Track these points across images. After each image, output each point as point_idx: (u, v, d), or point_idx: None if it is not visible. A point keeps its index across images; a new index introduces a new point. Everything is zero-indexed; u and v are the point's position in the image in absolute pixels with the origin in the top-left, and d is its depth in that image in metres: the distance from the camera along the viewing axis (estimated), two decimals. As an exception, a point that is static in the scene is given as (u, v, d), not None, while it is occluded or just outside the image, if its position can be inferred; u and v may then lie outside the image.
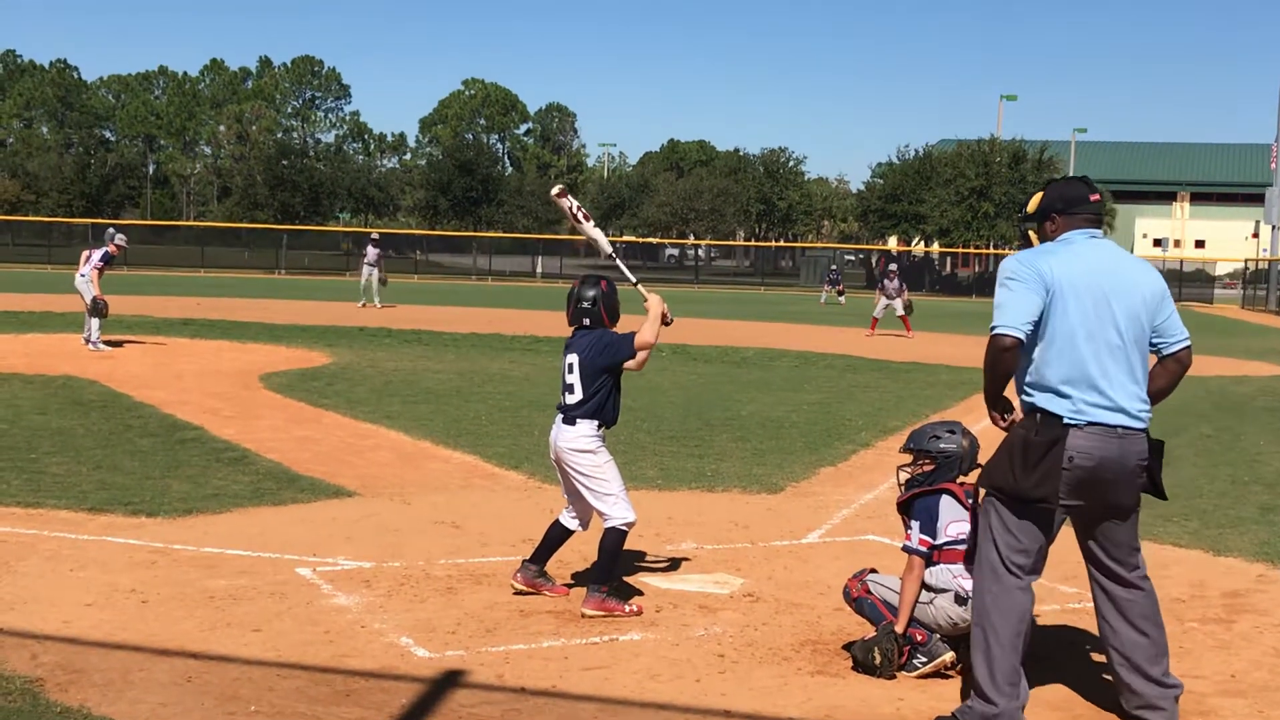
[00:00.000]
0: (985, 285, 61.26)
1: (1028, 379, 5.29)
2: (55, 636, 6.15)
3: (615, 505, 6.93)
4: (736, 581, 7.61)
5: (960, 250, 77.44)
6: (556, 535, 7.20)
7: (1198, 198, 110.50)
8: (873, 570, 6.44)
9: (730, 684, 5.83)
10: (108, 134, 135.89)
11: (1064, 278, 5.23)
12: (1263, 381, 21.82)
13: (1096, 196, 5.52)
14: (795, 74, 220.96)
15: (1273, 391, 20.05)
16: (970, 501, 6.07)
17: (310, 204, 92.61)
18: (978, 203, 75.16)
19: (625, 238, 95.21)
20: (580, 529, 7.20)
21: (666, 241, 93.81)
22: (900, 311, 30.63)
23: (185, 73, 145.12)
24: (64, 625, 6.34)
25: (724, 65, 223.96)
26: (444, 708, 5.44)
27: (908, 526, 6.19)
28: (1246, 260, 72.31)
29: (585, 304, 7.06)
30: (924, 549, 6.05)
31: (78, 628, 6.31)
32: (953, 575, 5.99)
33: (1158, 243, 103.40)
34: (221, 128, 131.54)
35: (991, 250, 76.21)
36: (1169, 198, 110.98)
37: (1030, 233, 5.67)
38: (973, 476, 5.80)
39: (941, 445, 6.26)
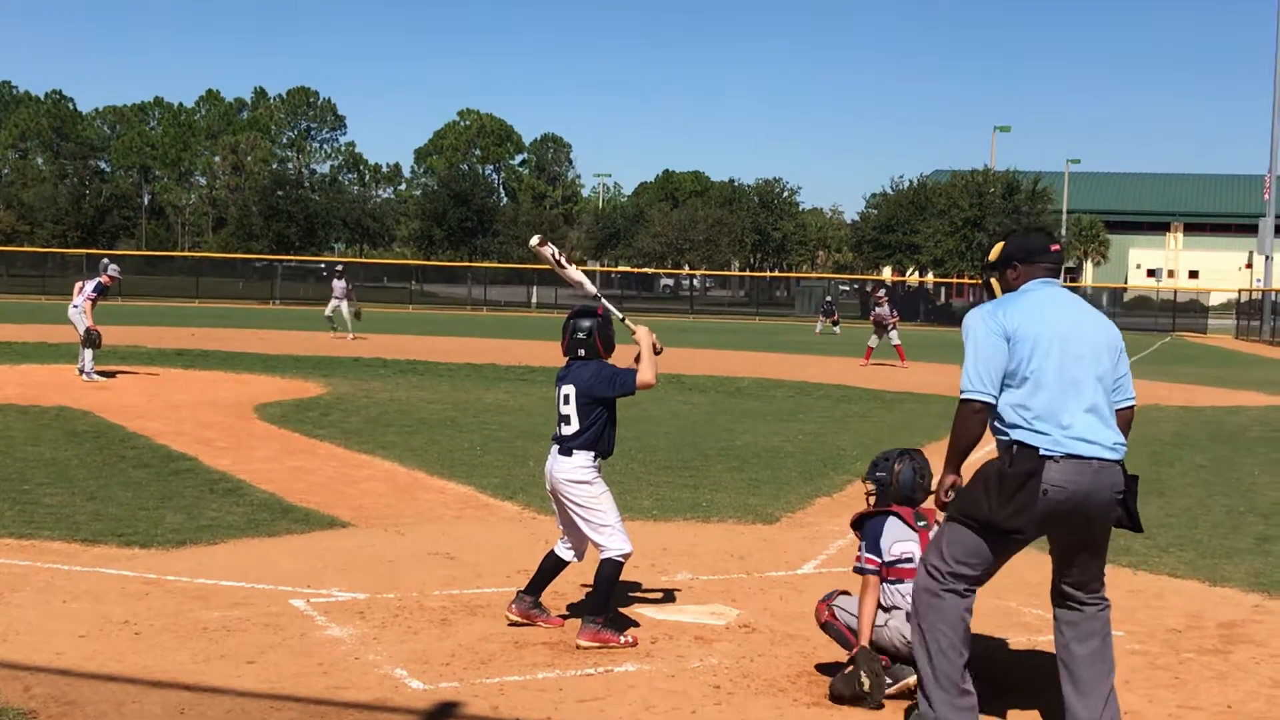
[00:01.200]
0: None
1: (1001, 419, 5.35)
2: (48, 668, 6.12)
3: (611, 536, 6.90)
4: (732, 613, 7.59)
5: (955, 280, 77.59)
6: (551, 566, 7.18)
7: (1191, 228, 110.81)
8: (843, 593, 6.49)
9: (726, 716, 5.81)
10: (103, 165, 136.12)
11: (1025, 326, 5.36)
12: (1257, 412, 21.85)
13: (1056, 247, 5.70)
14: (790, 105, 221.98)
15: (1267, 422, 20.07)
16: (920, 525, 6.29)
17: (305, 234, 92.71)
18: (972, 233, 75.32)
19: (620, 268, 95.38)
20: (575, 560, 7.19)
21: (661, 272, 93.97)
22: (895, 341, 30.71)
23: (180, 104, 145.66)
24: (57, 657, 6.31)
25: (719, 96, 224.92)
26: (438, 740, 5.41)
27: (859, 548, 6.37)
28: (1240, 290, 72.44)
29: (581, 334, 7.04)
30: (872, 567, 6.24)
31: (71, 659, 6.28)
32: (902, 595, 6.14)
33: (1151, 273, 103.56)
34: (216, 158, 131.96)
35: (985, 280, 76.26)
36: (1162, 228, 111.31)
37: (993, 281, 5.81)
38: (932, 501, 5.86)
39: (877, 474, 6.60)
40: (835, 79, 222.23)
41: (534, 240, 7.47)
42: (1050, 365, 5.30)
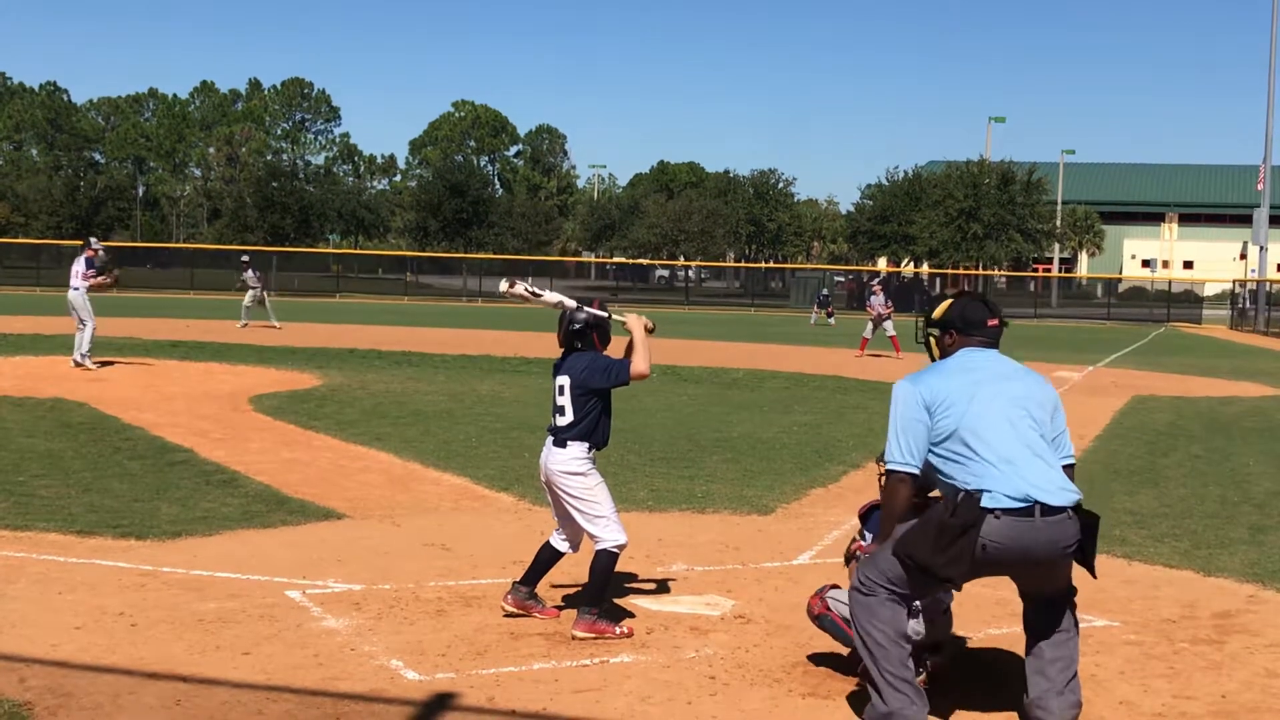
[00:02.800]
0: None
1: (944, 471, 5.40)
2: (44, 660, 6.12)
3: (606, 528, 6.90)
4: (728, 603, 7.60)
5: (949, 271, 77.61)
6: (546, 557, 7.18)
7: (1186, 219, 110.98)
8: (834, 586, 6.46)
9: (721, 706, 5.81)
10: (97, 156, 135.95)
11: (946, 390, 5.47)
12: (1251, 402, 21.87)
13: (995, 321, 5.77)
14: (785, 96, 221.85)
15: (1261, 412, 20.09)
16: None
17: (300, 226, 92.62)
18: (966, 224, 75.44)
19: (615, 259, 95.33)
20: (571, 551, 7.19)
21: (656, 263, 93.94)
22: (890, 332, 30.70)
23: (175, 95, 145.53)
24: (52, 648, 6.31)
25: (714, 87, 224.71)
26: (434, 731, 5.42)
27: (861, 535, 6.36)
28: (1234, 281, 72.52)
29: (577, 325, 7.03)
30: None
31: (66, 651, 6.28)
32: None
33: (1146, 263, 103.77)
34: (211, 150, 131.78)
35: (981, 271, 76.38)
36: (1157, 218, 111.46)
37: (931, 339, 5.97)
38: None
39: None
40: (831, 70, 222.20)
41: (502, 285, 7.32)
42: (982, 418, 5.36)
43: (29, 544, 8.55)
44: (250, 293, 35.35)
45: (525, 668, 6.26)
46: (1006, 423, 5.38)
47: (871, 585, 5.43)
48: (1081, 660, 6.39)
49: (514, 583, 7.21)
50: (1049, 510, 5.23)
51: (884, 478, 5.58)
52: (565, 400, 6.94)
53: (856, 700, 5.82)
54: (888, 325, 30.80)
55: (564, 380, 6.97)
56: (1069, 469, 5.54)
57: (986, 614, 7.38)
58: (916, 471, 5.45)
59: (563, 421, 6.95)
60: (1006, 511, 5.18)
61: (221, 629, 6.75)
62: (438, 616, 7.11)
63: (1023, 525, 5.20)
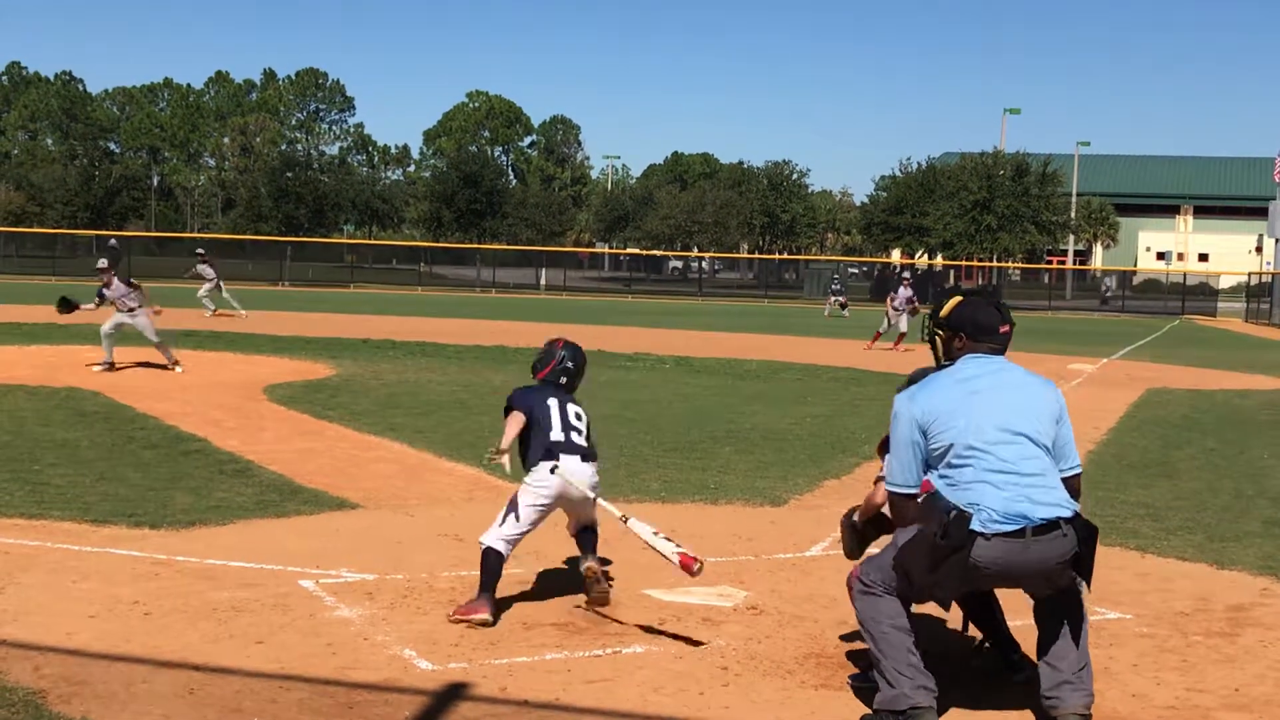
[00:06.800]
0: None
1: (937, 487, 5.35)
2: (58, 648, 6.14)
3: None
4: (740, 594, 7.60)
5: (964, 263, 77.47)
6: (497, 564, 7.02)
7: (1201, 211, 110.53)
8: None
9: (733, 697, 5.82)
10: (112, 146, 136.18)
11: (939, 404, 5.41)
12: (1267, 395, 21.80)
13: (1007, 328, 5.69)
14: (799, 87, 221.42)
15: (1277, 405, 20.03)
16: None
17: (314, 216, 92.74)
18: (981, 215, 75.25)
19: (629, 250, 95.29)
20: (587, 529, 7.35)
21: (670, 254, 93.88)
22: (902, 329, 30.32)
23: (190, 85, 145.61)
24: (67, 637, 6.33)
25: (728, 78, 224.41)
26: (447, 720, 5.43)
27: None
28: (1250, 273, 72.26)
29: (571, 366, 7.44)
30: None
31: (80, 639, 6.31)
32: None
33: (1161, 255, 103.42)
34: (226, 140, 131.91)
35: (995, 263, 76.24)
36: (1172, 211, 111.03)
37: (937, 338, 5.87)
38: None
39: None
40: (845, 60, 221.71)
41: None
42: (973, 433, 5.29)
43: (44, 533, 8.58)
44: (206, 285, 35.22)
45: (538, 658, 6.27)
46: (1002, 438, 5.29)
47: (873, 584, 5.47)
48: (1094, 653, 6.38)
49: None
50: (1040, 529, 5.15)
51: (890, 495, 5.59)
52: (583, 425, 7.27)
53: (867, 694, 5.81)
54: (902, 321, 30.46)
55: (580, 410, 7.33)
56: (1074, 479, 5.47)
57: (1003, 603, 7.36)
58: (916, 491, 5.43)
59: (585, 443, 7.22)
60: (996, 534, 5.13)
61: (235, 618, 6.77)
62: (450, 607, 7.11)
63: (1013, 546, 5.14)
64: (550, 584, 7.62)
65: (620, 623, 6.90)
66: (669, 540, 6.84)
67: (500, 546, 6.98)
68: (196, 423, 13.78)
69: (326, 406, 15.74)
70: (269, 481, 10.66)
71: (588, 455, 7.19)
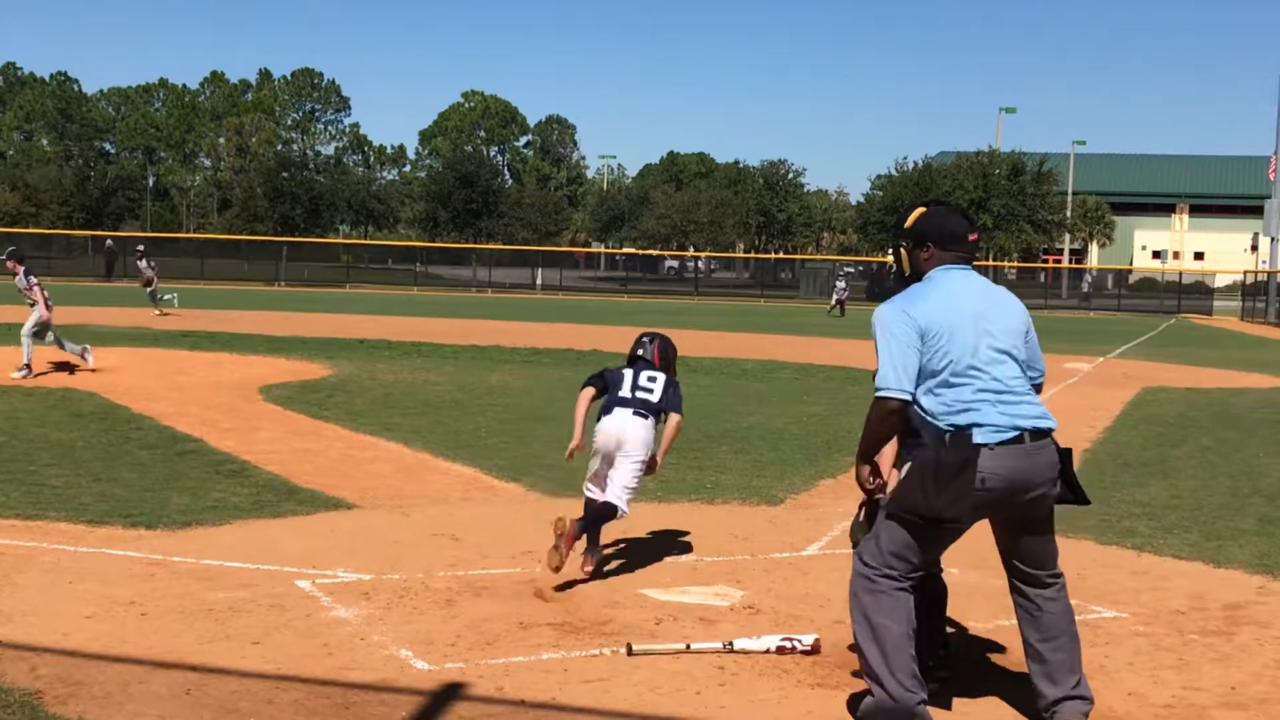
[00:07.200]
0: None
1: (930, 409, 5.27)
2: (54, 649, 6.14)
3: (628, 493, 7.91)
4: (736, 594, 7.60)
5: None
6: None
7: (1196, 209, 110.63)
8: None
9: (730, 696, 5.82)
10: (108, 146, 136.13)
11: (938, 319, 5.25)
12: (1262, 393, 21.81)
13: (975, 236, 5.55)
14: (795, 86, 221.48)
15: (1272, 403, 20.04)
16: None
17: (310, 216, 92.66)
18: (976, 215, 75.17)
19: (625, 250, 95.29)
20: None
21: (666, 254, 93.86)
22: None
23: (185, 85, 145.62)
24: (63, 638, 6.33)
25: (723, 78, 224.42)
26: (443, 720, 5.43)
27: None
28: (1245, 272, 72.29)
29: (639, 350, 8.39)
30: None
31: (76, 640, 6.30)
32: None
33: (1156, 254, 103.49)
34: (221, 140, 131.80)
35: (991, 262, 76.24)
36: (1168, 210, 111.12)
37: (901, 250, 5.61)
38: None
39: None
40: (840, 60, 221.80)
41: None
42: (970, 354, 5.23)
43: (40, 533, 8.58)
44: (150, 284, 35.17)
45: (534, 657, 6.27)
46: (995, 358, 5.27)
47: (876, 574, 5.32)
48: (1090, 651, 6.40)
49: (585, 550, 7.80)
50: (1035, 435, 5.23)
51: (875, 403, 5.29)
52: (657, 386, 8.09)
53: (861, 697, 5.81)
54: None
55: (657, 374, 8.18)
56: (1040, 384, 5.53)
57: (996, 605, 7.37)
58: (910, 399, 5.23)
59: (652, 399, 8.03)
60: (999, 443, 5.16)
61: (231, 618, 6.77)
62: (447, 606, 7.12)
63: (1016, 453, 5.17)
64: (549, 584, 7.61)
65: (618, 622, 6.90)
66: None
67: (586, 492, 8.05)
68: (192, 423, 13.77)
69: (323, 406, 15.74)
70: (265, 482, 10.66)
71: (640, 409, 7.92)
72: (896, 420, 5.31)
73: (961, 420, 5.20)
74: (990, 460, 5.15)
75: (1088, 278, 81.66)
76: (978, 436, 5.16)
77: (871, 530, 5.58)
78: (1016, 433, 5.20)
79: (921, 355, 5.23)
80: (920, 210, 5.59)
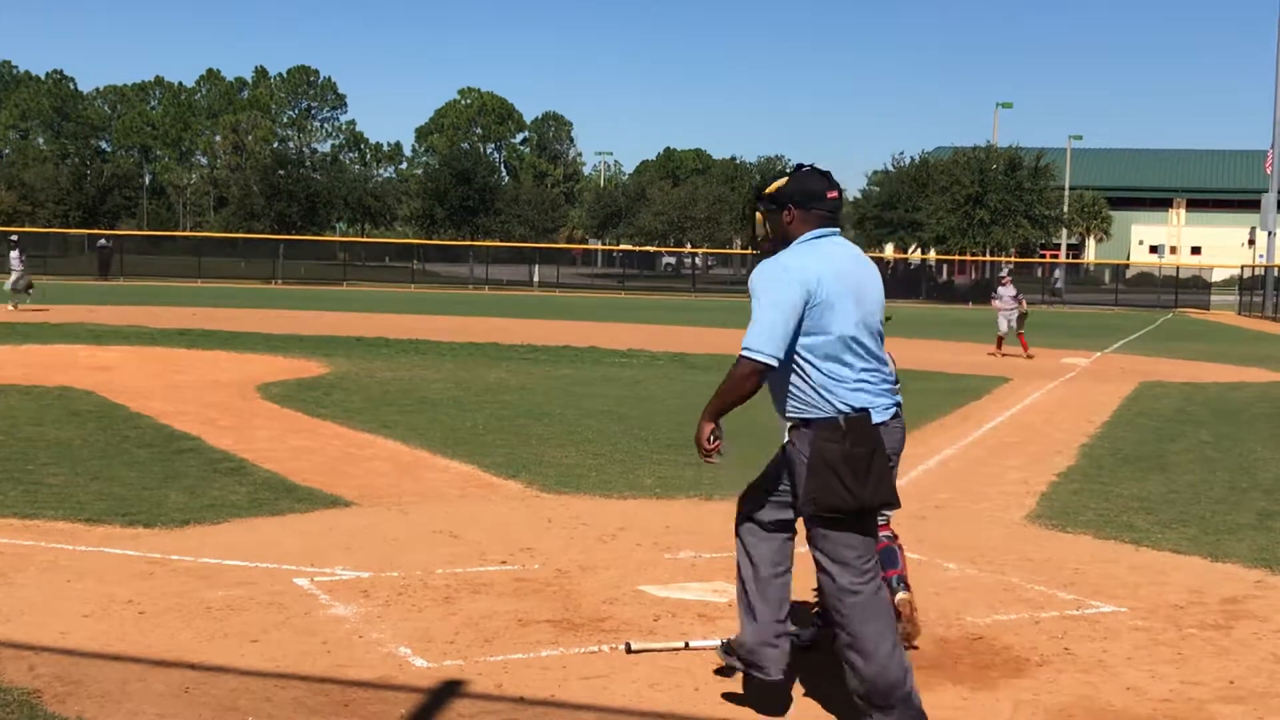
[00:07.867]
0: (981, 292, 61.35)
1: (815, 385, 5.09)
2: (52, 648, 6.13)
3: None
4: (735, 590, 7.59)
5: (956, 258, 77.50)
6: None
7: (1194, 204, 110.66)
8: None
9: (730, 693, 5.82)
10: (104, 144, 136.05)
11: (826, 284, 5.04)
12: (1260, 388, 21.83)
13: (835, 194, 5.31)
14: (791, 82, 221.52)
15: (1270, 398, 20.06)
16: None
17: (306, 214, 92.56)
18: (974, 210, 75.24)
19: (622, 247, 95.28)
20: None
21: (663, 250, 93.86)
22: (1020, 328, 27.87)
23: (181, 83, 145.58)
24: (61, 636, 6.32)
25: (720, 74, 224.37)
26: (442, 717, 5.42)
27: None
28: (1243, 266, 72.35)
29: None
30: None
31: (75, 639, 6.29)
32: None
33: (1154, 249, 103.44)
34: (217, 138, 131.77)
35: (988, 257, 76.27)
36: (1165, 204, 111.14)
37: (759, 213, 5.40)
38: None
39: None
40: (837, 55, 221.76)
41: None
42: (853, 326, 5.07)
43: (37, 532, 8.57)
44: (14, 275, 35.03)
45: (533, 655, 6.27)
46: (868, 328, 5.14)
47: (854, 580, 5.23)
48: (1089, 645, 6.42)
49: None
50: (896, 415, 5.25)
51: (738, 362, 5.14)
52: None
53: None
54: (1007, 321, 27.94)
55: None
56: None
57: (994, 599, 7.38)
58: (776, 365, 5.04)
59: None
60: (893, 418, 5.18)
61: (229, 616, 6.76)
62: (445, 604, 7.12)
63: (896, 428, 5.21)
64: (547, 581, 7.61)
65: (616, 619, 6.90)
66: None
67: None
68: (190, 421, 13.76)
69: (320, 404, 15.73)
70: (263, 480, 10.65)
71: None
72: (757, 383, 5.14)
73: (855, 401, 5.06)
74: (888, 437, 5.14)
75: (1057, 273, 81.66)
76: (876, 416, 5.09)
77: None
78: (896, 410, 5.22)
79: (801, 321, 5.04)
80: (782, 180, 5.37)
